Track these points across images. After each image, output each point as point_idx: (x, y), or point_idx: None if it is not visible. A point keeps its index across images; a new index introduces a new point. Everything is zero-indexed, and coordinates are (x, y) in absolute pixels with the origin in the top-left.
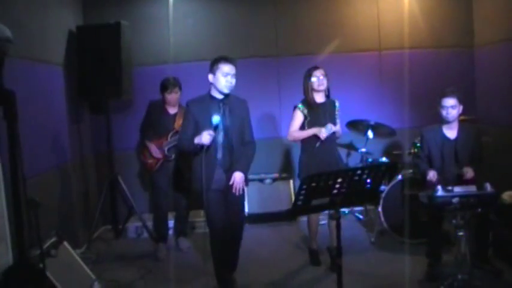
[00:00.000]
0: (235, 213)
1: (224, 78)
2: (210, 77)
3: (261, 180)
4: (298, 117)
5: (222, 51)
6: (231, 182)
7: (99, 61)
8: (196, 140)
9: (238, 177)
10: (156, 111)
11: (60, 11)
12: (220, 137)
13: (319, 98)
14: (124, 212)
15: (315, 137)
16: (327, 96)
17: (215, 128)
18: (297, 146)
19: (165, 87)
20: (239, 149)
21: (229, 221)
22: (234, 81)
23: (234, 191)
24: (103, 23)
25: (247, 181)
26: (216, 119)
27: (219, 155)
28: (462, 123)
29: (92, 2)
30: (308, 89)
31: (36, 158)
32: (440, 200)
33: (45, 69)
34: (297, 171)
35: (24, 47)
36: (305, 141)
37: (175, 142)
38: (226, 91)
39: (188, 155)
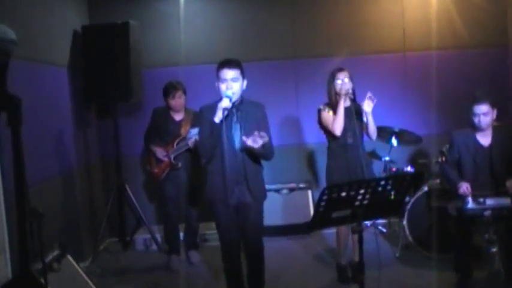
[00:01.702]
0: (252, 229)
1: (223, 85)
2: (216, 84)
3: (277, 191)
4: (329, 116)
5: (236, 52)
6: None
7: (107, 63)
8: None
9: (252, 140)
10: (161, 119)
11: (64, 10)
12: (232, 145)
13: (347, 97)
14: (132, 223)
15: (339, 140)
16: (353, 99)
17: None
18: (316, 152)
19: (167, 92)
20: (253, 160)
21: (245, 237)
22: (236, 85)
23: (248, 143)
24: (110, 22)
25: (254, 151)
26: (229, 92)
27: (231, 165)
28: (496, 128)
29: (98, 0)
30: (332, 92)
31: (39, 164)
32: (470, 212)
33: (49, 71)
34: (316, 180)
35: (26, 48)
36: (331, 147)
37: (183, 149)
38: (231, 99)
39: (209, 153)
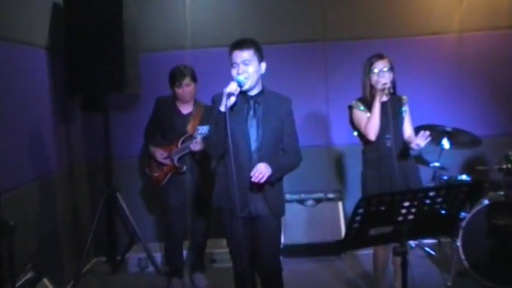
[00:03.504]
0: (267, 247)
1: (234, 70)
2: (231, 71)
3: (301, 202)
4: (362, 115)
5: (252, 33)
6: (251, 173)
7: (95, 44)
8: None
9: (261, 166)
10: (165, 111)
11: None
12: (247, 143)
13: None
14: (124, 239)
15: (375, 144)
16: (392, 92)
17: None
18: (348, 156)
19: (173, 79)
20: (270, 162)
21: (259, 257)
22: (251, 69)
23: (252, 179)
24: None
25: (271, 182)
26: (240, 77)
27: (243, 167)
28: None
29: None
30: (366, 85)
31: (11, 167)
32: None
33: (23, 52)
34: (348, 189)
35: None
36: (366, 151)
37: (188, 149)
38: (242, 85)
39: (217, 150)
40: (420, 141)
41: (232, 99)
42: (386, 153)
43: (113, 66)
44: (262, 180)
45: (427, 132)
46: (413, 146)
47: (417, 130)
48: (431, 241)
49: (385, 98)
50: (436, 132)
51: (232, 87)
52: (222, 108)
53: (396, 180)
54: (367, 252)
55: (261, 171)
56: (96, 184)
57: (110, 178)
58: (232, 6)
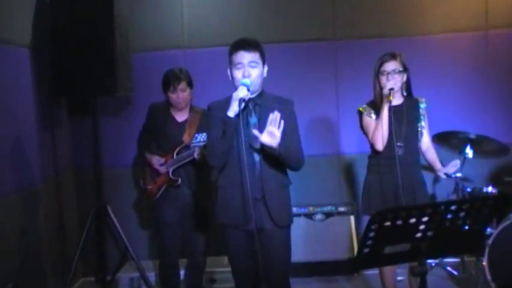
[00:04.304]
0: (274, 266)
1: (238, 72)
2: (229, 72)
3: (309, 216)
4: (371, 122)
5: (254, 31)
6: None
7: (83, 43)
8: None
9: (267, 134)
10: (159, 118)
11: None
12: (249, 151)
13: (394, 98)
14: (115, 257)
15: (384, 152)
16: (408, 94)
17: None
18: (360, 165)
19: (167, 83)
20: (275, 170)
21: (265, 276)
22: (254, 72)
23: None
24: None
25: (279, 153)
26: (246, 80)
27: (246, 177)
28: None
29: None
30: (376, 88)
31: None
32: None
33: (3, 51)
34: (360, 203)
35: None
36: (372, 156)
37: (185, 160)
38: (249, 89)
39: (221, 160)
40: (449, 171)
41: (242, 103)
42: (392, 162)
43: (102, 67)
44: (273, 140)
45: (458, 162)
46: (440, 174)
47: (439, 137)
48: (454, 260)
49: (399, 101)
50: (459, 140)
51: (243, 92)
52: (231, 113)
53: (400, 191)
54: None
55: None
56: (85, 196)
57: (100, 190)
58: (234, 1)
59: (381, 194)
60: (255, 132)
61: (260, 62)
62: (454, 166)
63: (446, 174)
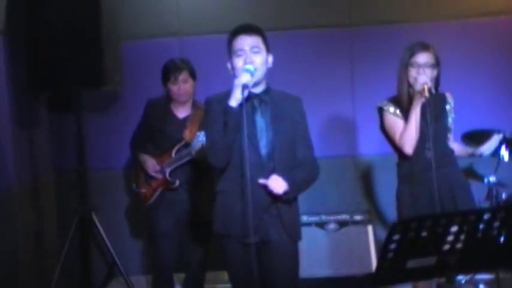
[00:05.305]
0: (281, 281)
1: (239, 59)
2: (228, 64)
3: (322, 225)
4: (397, 122)
5: (260, 17)
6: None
7: (65, 29)
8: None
9: (274, 178)
10: (158, 115)
11: None
12: (256, 150)
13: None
14: (101, 271)
15: (412, 156)
16: (434, 89)
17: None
18: (379, 168)
19: (167, 73)
20: (286, 173)
21: None
22: (258, 59)
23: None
24: None
25: (288, 200)
26: (249, 66)
27: (254, 180)
28: None
29: None
30: (403, 83)
31: None
32: None
33: None
34: (380, 210)
35: None
36: (401, 164)
37: (184, 160)
38: (253, 76)
39: (223, 158)
40: (489, 148)
41: (245, 91)
42: (425, 167)
43: (87, 57)
44: (281, 192)
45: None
46: (476, 152)
47: (469, 136)
48: (487, 276)
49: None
50: (492, 140)
51: (247, 77)
52: (233, 103)
53: (443, 198)
54: None
55: (273, 183)
56: (67, 203)
57: (84, 195)
58: None
59: (418, 205)
60: (261, 181)
61: (263, 48)
62: (493, 143)
63: (481, 154)
